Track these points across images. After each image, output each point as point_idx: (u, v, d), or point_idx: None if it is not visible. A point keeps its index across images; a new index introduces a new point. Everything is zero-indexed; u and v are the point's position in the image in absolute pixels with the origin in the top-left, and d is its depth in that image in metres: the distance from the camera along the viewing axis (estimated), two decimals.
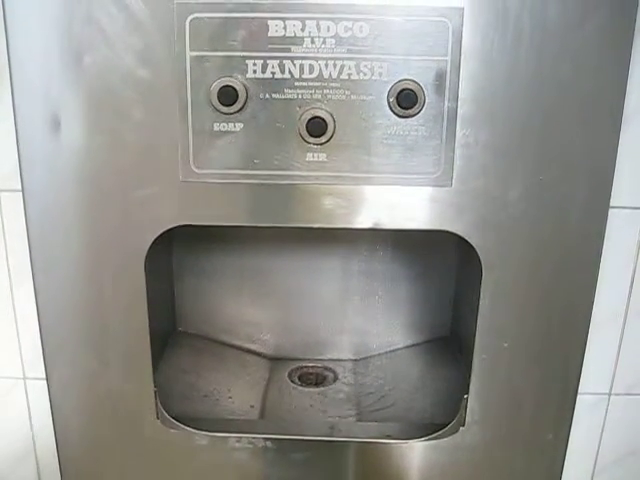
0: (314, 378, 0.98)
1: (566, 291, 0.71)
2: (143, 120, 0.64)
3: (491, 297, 0.71)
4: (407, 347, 1.01)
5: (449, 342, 1.00)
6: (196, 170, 0.66)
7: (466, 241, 0.68)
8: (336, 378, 0.98)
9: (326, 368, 1.00)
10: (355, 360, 1.02)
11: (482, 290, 0.70)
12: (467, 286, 0.92)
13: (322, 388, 0.95)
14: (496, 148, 0.65)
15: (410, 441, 0.75)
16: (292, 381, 0.96)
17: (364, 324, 1.01)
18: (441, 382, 0.93)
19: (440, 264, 0.98)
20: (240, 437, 0.75)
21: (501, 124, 0.64)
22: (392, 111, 0.63)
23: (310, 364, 1.01)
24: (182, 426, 0.75)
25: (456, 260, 0.96)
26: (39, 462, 0.94)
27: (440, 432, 0.75)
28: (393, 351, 1.01)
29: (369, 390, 0.93)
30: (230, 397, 0.89)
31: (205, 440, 0.75)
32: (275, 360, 1.01)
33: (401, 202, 0.67)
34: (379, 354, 1.01)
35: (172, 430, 0.75)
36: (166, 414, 0.75)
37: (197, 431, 0.75)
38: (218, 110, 0.63)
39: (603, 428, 0.86)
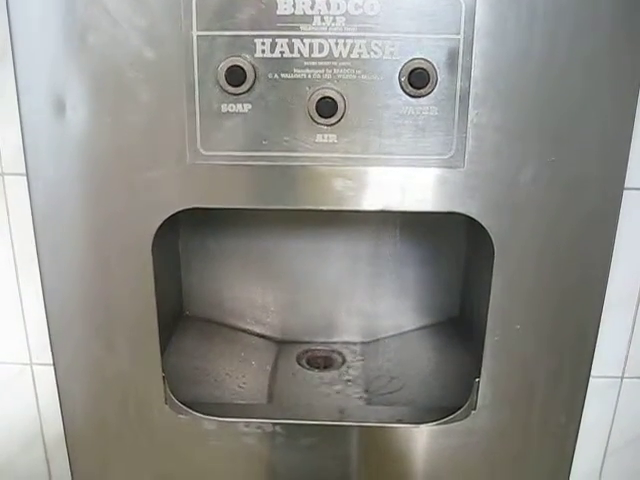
0: (322, 361, 0.97)
1: (579, 273, 0.70)
2: (149, 101, 0.63)
3: (503, 279, 0.70)
4: (415, 329, 1.00)
5: (458, 324, 0.99)
6: (204, 152, 0.64)
7: (478, 223, 0.67)
8: (344, 361, 0.97)
9: (334, 351, 0.99)
10: (363, 343, 1.01)
11: (494, 272, 0.69)
12: (476, 268, 0.91)
13: (330, 371, 0.94)
14: (509, 128, 0.64)
15: (421, 425, 0.74)
16: (300, 364, 0.96)
17: (372, 306, 1.00)
18: (450, 364, 0.92)
19: (449, 246, 0.97)
20: (249, 422, 0.74)
21: (514, 104, 0.63)
22: (404, 91, 0.62)
23: (318, 347, 1.00)
24: (191, 411, 0.74)
25: (465, 241, 0.95)
26: (47, 448, 0.94)
27: (452, 416, 0.75)
28: (402, 334, 1.00)
29: (378, 373, 0.93)
30: (238, 381, 0.88)
31: (214, 425, 0.75)
32: (283, 343, 1.00)
33: (412, 184, 0.66)
34: (387, 337, 1.00)
35: (180, 415, 0.75)
36: (175, 399, 0.74)
37: (206, 416, 0.74)
38: (226, 91, 0.62)
39: (615, 411, 0.86)
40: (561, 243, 0.69)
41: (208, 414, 0.75)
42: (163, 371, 0.73)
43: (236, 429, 0.75)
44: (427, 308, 1.00)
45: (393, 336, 1.00)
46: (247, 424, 0.74)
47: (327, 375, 0.93)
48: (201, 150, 0.64)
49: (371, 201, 0.67)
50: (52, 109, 0.64)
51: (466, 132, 0.64)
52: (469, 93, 0.62)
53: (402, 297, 0.99)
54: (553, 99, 0.63)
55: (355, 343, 1.01)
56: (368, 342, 1.01)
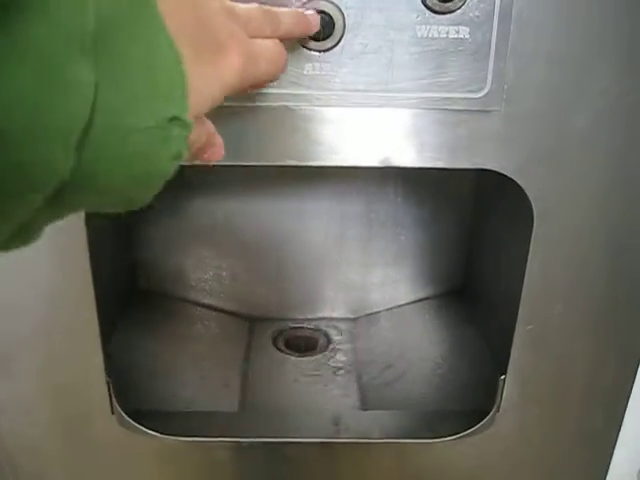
0: (303, 343, 0.82)
1: (635, 246, 0.55)
2: None
3: (544, 255, 0.54)
4: (413, 302, 0.85)
5: (462, 297, 0.84)
6: None
7: (514, 183, 0.52)
8: (329, 342, 0.82)
9: (317, 330, 0.84)
10: (352, 319, 0.86)
11: (532, 246, 0.54)
12: (486, 233, 0.76)
13: (314, 356, 0.79)
14: (561, 58, 0.48)
15: (438, 440, 0.59)
16: (277, 347, 0.80)
17: (362, 276, 0.85)
18: (457, 347, 0.78)
19: (453, 205, 0.81)
20: (217, 441, 0.58)
21: (569, 25, 0.47)
22: (424, 4, 0.45)
23: (298, 325, 0.85)
24: (144, 429, 0.57)
25: (472, 200, 0.80)
26: None
27: (471, 430, 0.60)
28: (397, 307, 0.85)
29: (371, 358, 0.78)
30: (203, 373, 0.72)
31: (172, 442, 0.59)
32: (256, 321, 0.85)
33: (432, 131, 0.50)
34: (380, 311, 0.85)
35: (130, 431, 0.58)
36: (122, 412, 0.57)
37: (162, 436, 0.58)
38: None
39: None
40: (617, 207, 0.54)
41: (166, 425, 0.59)
42: (108, 375, 0.57)
43: (201, 446, 0.59)
44: (425, 278, 0.85)
45: (387, 310, 0.85)
46: (213, 445, 0.59)
47: (310, 361, 0.78)
48: None
49: (374, 154, 0.51)
50: None
51: (506, 62, 0.47)
52: (511, 10, 0.46)
53: (397, 265, 0.84)
54: (621, 18, 0.47)
55: (342, 319, 0.85)
56: (357, 318, 0.86)
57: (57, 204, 0.26)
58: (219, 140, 0.41)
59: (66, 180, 0.25)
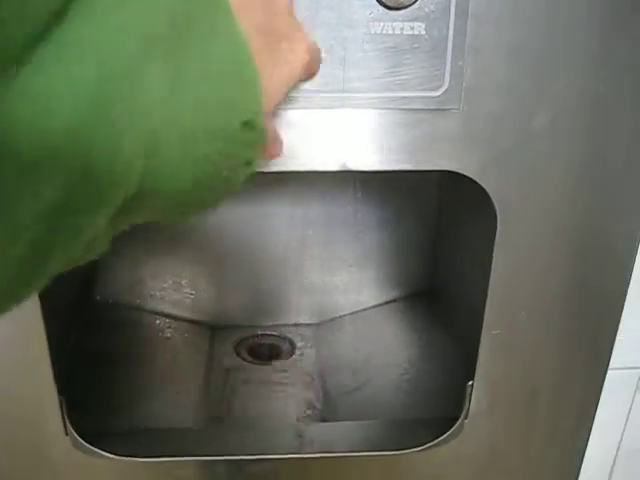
0: (267, 350, 0.80)
1: (602, 249, 0.54)
2: None
3: (508, 257, 0.53)
4: (379, 305, 0.83)
5: (430, 298, 0.82)
6: None
7: (478, 185, 0.50)
8: (294, 349, 0.79)
9: (281, 337, 0.82)
10: (315, 324, 0.83)
11: (496, 249, 0.52)
12: (452, 232, 0.74)
13: (278, 363, 0.77)
14: (523, 55, 0.46)
15: (404, 451, 0.57)
16: (240, 356, 0.78)
17: (325, 279, 0.83)
18: (425, 349, 0.76)
19: (417, 206, 0.79)
20: (178, 461, 0.56)
21: (530, 21, 0.45)
22: (377, 0, 0.43)
23: (261, 332, 0.82)
24: (99, 451, 0.55)
25: (436, 200, 0.78)
26: None
27: (440, 439, 0.58)
28: (362, 311, 0.83)
29: (336, 364, 0.76)
30: (163, 386, 0.70)
31: (132, 463, 0.56)
32: (217, 329, 0.82)
33: (391, 132, 0.48)
34: (345, 315, 0.83)
35: (86, 454, 0.56)
36: (75, 434, 0.55)
37: (120, 457, 0.55)
38: None
39: (631, 406, 0.71)
40: (583, 210, 0.52)
41: (125, 444, 0.57)
42: (60, 393, 0.54)
43: (162, 466, 0.57)
44: (391, 280, 0.83)
45: (351, 314, 0.83)
46: (176, 463, 0.56)
47: (273, 370, 0.75)
48: None
49: (333, 158, 0.49)
50: None
51: (464, 59, 0.45)
52: (468, 3, 0.44)
53: (361, 267, 0.82)
54: (583, 15, 0.45)
55: (306, 325, 0.83)
56: (321, 323, 0.83)
57: (123, 214, 0.25)
58: (280, 135, 0.40)
59: (132, 192, 0.24)
